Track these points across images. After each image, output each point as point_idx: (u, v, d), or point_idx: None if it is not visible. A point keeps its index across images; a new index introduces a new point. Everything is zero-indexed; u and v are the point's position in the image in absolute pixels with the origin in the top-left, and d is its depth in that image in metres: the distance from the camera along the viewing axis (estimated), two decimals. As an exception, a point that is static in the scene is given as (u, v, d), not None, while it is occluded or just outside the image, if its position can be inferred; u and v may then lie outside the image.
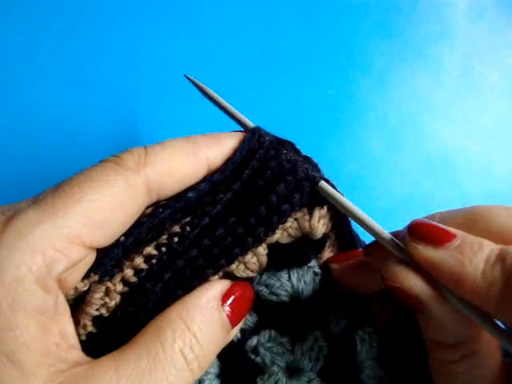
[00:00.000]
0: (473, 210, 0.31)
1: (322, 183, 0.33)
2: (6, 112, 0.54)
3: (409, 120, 0.57)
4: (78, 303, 0.31)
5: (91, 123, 0.55)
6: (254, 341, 0.36)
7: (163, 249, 0.32)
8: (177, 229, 0.33)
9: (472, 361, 0.30)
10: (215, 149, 0.34)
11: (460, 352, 0.30)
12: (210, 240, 0.32)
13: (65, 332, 0.28)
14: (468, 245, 0.27)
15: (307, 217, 0.34)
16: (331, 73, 0.58)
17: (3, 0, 0.57)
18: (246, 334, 0.36)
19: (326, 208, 0.34)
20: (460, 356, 0.30)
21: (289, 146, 0.36)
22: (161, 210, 0.32)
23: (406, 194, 0.55)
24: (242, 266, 0.34)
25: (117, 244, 0.31)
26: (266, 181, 0.33)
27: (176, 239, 0.32)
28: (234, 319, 0.32)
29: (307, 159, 0.36)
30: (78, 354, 0.28)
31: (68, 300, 0.30)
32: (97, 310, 0.31)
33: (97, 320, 0.31)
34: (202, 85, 0.40)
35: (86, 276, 0.31)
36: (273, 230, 0.33)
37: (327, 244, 0.37)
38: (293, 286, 0.36)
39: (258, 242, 0.33)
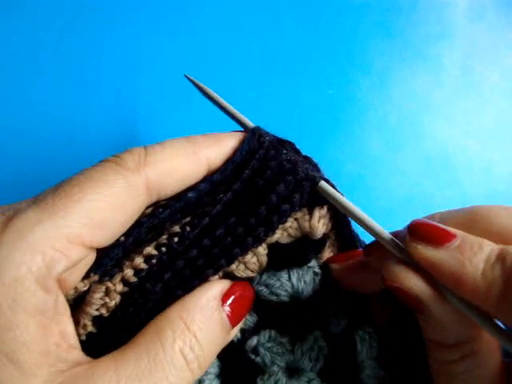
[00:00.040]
0: (473, 210, 0.31)
1: (322, 183, 0.33)
2: (5, 112, 0.54)
3: (409, 120, 0.57)
4: (78, 303, 0.31)
5: (91, 123, 0.55)
6: (253, 341, 0.36)
7: (163, 249, 0.32)
8: (177, 229, 0.33)
9: (472, 361, 0.30)
10: (215, 149, 0.34)
11: (460, 352, 0.30)
12: (210, 240, 0.32)
13: (65, 332, 0.28)
14: (468, 245, 0.27)
15: (307, 217, 0.34)
16: (331, 73, 0.58)
17: (3, 0, 0.57)
18: (245, 333, 0.37)
19: (326, 208, 0.34)
20: (460, 356, 0.30)
21: (289, 145, 0.36)
22: (161, 209, 0.32)
23: (406, 194, 0.55)
24: (242, 266, 0.34)
25: (117, 244, 0.31)
26: (266, 181, 0.33)
27: (176, 239, 0.32)
28: (233, 319, 0.32)
29: (307, 159, 0.36)
30: (77, 353, 0.28)
31: (68, 300, 0.30)
32: (97, 309, 0.31)
33: (97, 320, 0.31)
34: (201, 85, 0.40)
35: (86, 276, 0.31)
36: (273, 230, 0.33)
37: (327, 244, 0.37)
38: (293, 286, 0.36)
39: (258, 241, 0.33)
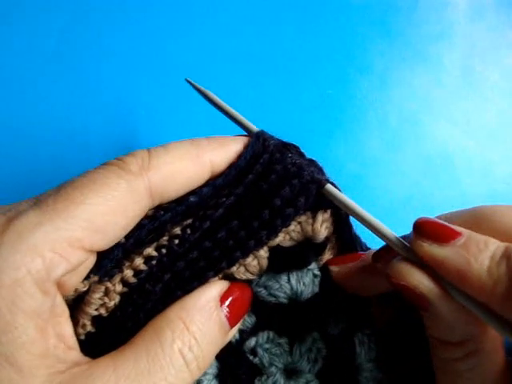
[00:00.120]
0: (478, 209, 0.31)
1: (328, 186, 0.33)
2: (5, 112, 0.54)
3: (409, 120, 0.57)
4: (77, 302, 0.31)
5: (91, 123, 0.55)
6: (252, 342, 0.37)
7: (163, 250, 0.32)
8: (178, 231, 0.33)
9: (476, 359, 0.30)
10: (219, 152, 0.34)
11: (464, 350, 0.30)
12: (211, 242, 0.32)
13: (63, 333, 0.28)
14: (473, 242, 0.28)
15: (310, 220, 0.34)
16: (331, 73, 0.58)
17: (3, 0, 0.57)
18: (244, 334, 0.37)
19: (329, 212, 0.34)
20: (464, 354, 0.30)
21: (293, 149, 0.35)
22: (162, 212, 0.32)
23: (406, 194, 0.55)
24: (242, 269, 0.34)
25: (117, 245, 0.31)
26: (270, 184, 0.33)
27: (176, 241, 0.32)
28: (232, 320, 0.32)
29: (312, 162, 0.35)
30: (76, 354, 0.29)
31: (67, 300, 0.30)
32: (96, 309, 0.31)
33: (96, 320, 0.31)
34: (203, 89, 0.40)
35: (86, 277, 0.31)
36: (276, 234, 0.33)
37: (328, 247, 0.37)
38: (292, 288, 0.36)
39: (259, 244, 0.33)
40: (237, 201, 0.33)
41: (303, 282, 0.36)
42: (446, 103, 0.58)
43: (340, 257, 0.37)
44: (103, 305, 0.31)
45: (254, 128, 0.37)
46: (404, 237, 0.32)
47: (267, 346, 0.37)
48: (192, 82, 0.40)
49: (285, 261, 0.35)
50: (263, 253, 0.34)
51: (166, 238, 0.33)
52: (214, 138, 0.35)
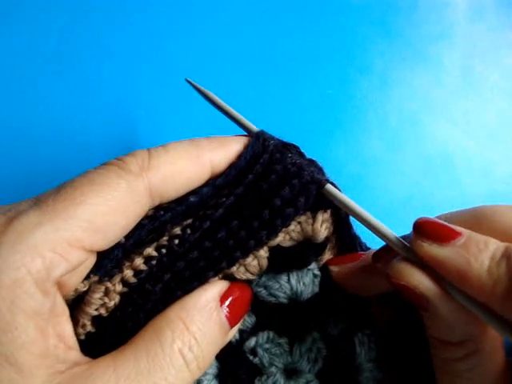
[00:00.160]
0: (478, 209, 0.31)
1: (328, 186, 0.33)
2: (6, 112, 0.54)
3: (409, 120, 0.57)
4: (77, 302, 0.31)
5: (91, 123, 0.55)
6: (252, 342, 0.37)
7: (163, 250, 0.32)
8: (178, 231, 0.33)
9: (476, 359, 0.30)
10: (219, 152, 0.34)
11: (464, 350, 0.30)
12: (211, 242, 0.32)
13: (63, 333, 0.28)
14: (473, 242, 0.28)
15: (310, 220, 0.34)
16: (331, 73, 0.58)
17: (3, 0, 0.57)
18: (244, 334, 0.37)
19: (329, 212, 0.34)
20: (464, 354, 0.30)
21: (293, 149, 0.35)
22: (162, 212, 0.32)
23: (406, 194, 0.55)
24: (242, 269, 0.34)
25: (117, 245, 0.31)
26: (270, 184, 0.33)
27: (176, 241, 0.32)
28: (232, 320, 0.32)
29: (312, 162, 0.35)
30: (76, 354, 0.29)
31: (67, 300, 0.30)
32: (96, 309, 0.31)
33: (96, 320, 0.31)
34: (203, 89, 0.39)
35: (86, 277, 0.31)
36: (275, 234, 0.33)
37: (328, 247, 0.37)
38: (292, 288, 0.36)
39: (259, 244, 0.33)
40: (237, 201, 0.33)
41: (303, 282, 0.36)
42: (446, 103, 0.58)
43: (340, 257, 0.37)
44: (103, 305, 0.31)
45: (254, 128, 0.37)
46: (404, 237, 0.32)
47: (267, 345, 0.37)
48: (192, 82, 0.40)
49: (285, 261, 0.35)
50: (263, 253, 0.34)
51: (166, 238, 0.33)
52: (214, 138, 0.35)
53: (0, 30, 0.56)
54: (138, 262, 0.32)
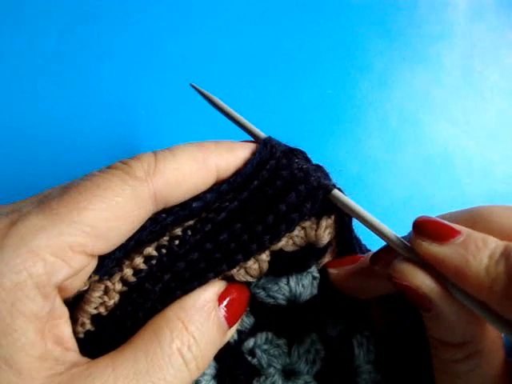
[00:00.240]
0: (475, 210, 0.31)
1: (335, 192, 0.33)
2: (6, 112, 0.54)
3: (409, 120, 0.57)
4: (77, 301, 0.31)
5: (92, 124, 0.55)
6: (250, 342, 0.37)
7: (163, 250, 0.32)
8: (178, 232, 0.32)
9: (476, 360, 0.30)
10: (226, 158, 0.33)
11: (465, 351, 0.30)
12: (213, 244, 0.32)
13: (62, 335, 0.28)
14: (472, 240, 0.28)
15: (314, 226, 0.34)
16: (331, 73, 0.58)
17: (3, 0, 0.57)
18: (242, 335, 0.37)
19: (332, 217, 0.34)
20: (465, 355, 0.30)
21: (300, 154, 0.35)
22: (164, 215, 0.32)
23: (406, 194, 0.55)
24: (242, 271, 0.34)
25: (118, 246, 0.31)
26: (275, 190, 0.33)
27: (177, 242, 0.32)
28: (230, 320, 0.32)
29: (319, 168, 0.35)
30: (74, 355, 0.29)
31: (68, 298, 0.30)
32: (95, 308, 0.31)
33: (95, 319, 0.31)
34: (209, 94, 0.39)
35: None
36: (279, 238, 0.33)
37: (328, 250, 0.37)
38: (291, 289, 0.36)
39: (262, 249, 0.33)
40: (241, 205, 0.33)
41: (302, 284, 0.36)
42: (446, 103, 0.58)
43: (339, 259, 0.37)
44: (103, 303, 0.31)
45: (262, 134, 0.36)
46: (403, 237, 0.32)
47: (266, 346, 0.37)
48: (197, 86, 0.39)
49: (285, 264, 0.35)
50: (264, 257, 0.34)
51: (166, 238, 0.33)
52: (222, 143, 0.34)
53: (0, 30, 0.56)
54: (138, 261, 0.32)
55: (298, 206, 0.32)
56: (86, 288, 0.31)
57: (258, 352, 0.36)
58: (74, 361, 0.28)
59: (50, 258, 0.27)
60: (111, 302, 0.31)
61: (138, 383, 0.27)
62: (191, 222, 0.33)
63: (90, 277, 0.31)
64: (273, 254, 0.34)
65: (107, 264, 0.31)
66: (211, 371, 0.35)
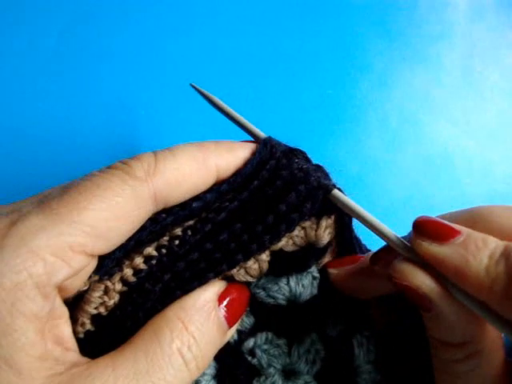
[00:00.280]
0: (474, 210, 0.31)
1: (335, 192, 0.33)
2: (6, 112, 0.54)
3: (409, 120, 0.57)
4: (77, 301, 0.31)
5: (92, 124, 0.55)
6: (250, 342, 0.37)
7: (163, 250, 0.32)
8: (178, 232, 0.32)
9: (476, 360, 0.30)
10: (226, 158, 0.33)
11: (465, 351, 0.30)
12: (213, 244, 0.32)
13: (62, 335, 0.28)
14: (472, 240, 0.28)
15: (314, 226, 0.34)
16: (331, 73, 0.58)
17: (3, 0, 0.57)
18: (242, 335, 0.37)
19: (333, 217, 0.34)
20: (465, 355, 0.30)
21: (300, 154, 0.35)
22: (164, 215, 0.32)
23: (406, 194, 0.55)
24: (242, 271, 0.34)
25: (118, 246, 0.31)
26: (275, 190, 0.33)
27: (177, 242, 0.32)
28: (230, 320, 0.32)
29: (319, 168, 0.35)
30: (74, 355, 0.29)
31: (68, 298, 0.30)
32: (95, 308, 0.31)
33: (95, 319, 0.31)
34: (209, 94, 0.39)
35: (87, 277, 0.31)
36: (279, 238, 0.33)
37: (328, 250, 0.37)
38: (290, 289, 0.36)
39: (262, 249, 0.33)
40: (240, 205, 0.33)
41: (302, 284, 0.36)
42: (446, 103, 0.58)
43: (339, 259, 0.37)
44: (103, 303, 0.31)
45: (262, 134, 0.36)
46: (403, 237, 0.32)
47: (266, 346, 0.36)
48: (197, 86, 0.39)
49: (285, 265, 0.35)
50: (265, 257, 0.34)
51: (166, 238, 0.33)
52: (222, 143, 0.34)
53: (0, 30, 0.56)
54: (138, 261, 0.32)
55: (298, 206, 0.32)
56: (86, 288, 0.31)
57: (258, 352, 0.36)
58: (74, 361, 0.28)
59: (50, 257, 0.27)
60: (111, 302, 0.31)
61: (137, 383, 0.27)
62: (191, 222, 0.33)
63: (90, 277, 0.31)
64: (273, 253, 0.34)
65: (107, 264, 0.31)
66: (211, 371, 0.35)
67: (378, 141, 0.56)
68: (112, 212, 0.29)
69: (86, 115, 0.55)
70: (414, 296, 0.29)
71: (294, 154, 0.35)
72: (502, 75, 0.59)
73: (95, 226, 0.28)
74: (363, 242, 0.39)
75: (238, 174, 0.33)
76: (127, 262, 0.32)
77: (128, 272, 0.31)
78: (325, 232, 0.34)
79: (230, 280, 0.34)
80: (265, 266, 0.34)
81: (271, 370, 0.36)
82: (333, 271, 0.36)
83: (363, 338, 0.36)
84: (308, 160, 0.35)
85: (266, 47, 0.58)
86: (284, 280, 0.36)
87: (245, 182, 0.33)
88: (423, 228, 0.30)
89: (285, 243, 0.34)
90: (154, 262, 0.32)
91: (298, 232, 0.34)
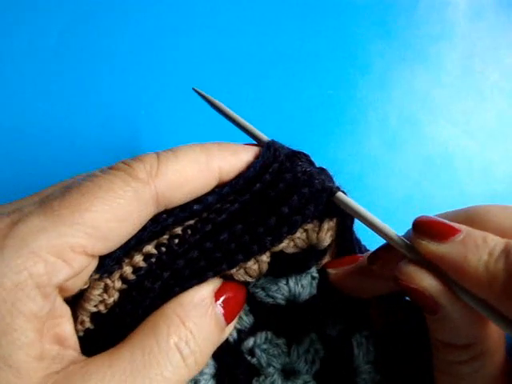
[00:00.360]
0: (471, 209, 0.31)
1: (339, 194, 0.33)
2: (6, 112, 0.54)
3: (409, 120, 0.57)
4: (77, 299, 0.31)
5: (92, 124, 0.55)
6: (250, 342, 0.37)
7: (163, 248, 0.32)
8: (178, 231, 0.32)
9: (480, 362, 0.30)
10: (229, 161, 0.33)
11: (469, 353, 0.30)
12: (213, 244, 0.32)
13: (62, 334, 0.29)
14: (472, 238, 0.28)
15: (316, 228, 0.34)
16: (331, 73, 0.58)
17: (3, 0, 0.57)
18: (242, 334, 0.37)
19: (334, 220, 0.34)
20: (469, 357, 0.30)
21: (304, 157, 0.35)
22: (165, 216, 0.32)
23: (406, 194, 0.55)
24: (242, 271, 0.34)
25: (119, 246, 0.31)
26: (278, 192, 0.33)
27: (176, 241, 0.32)
28: (227, 317, 0.32)
29: (323, 171, 0.35)
30: (73, 354, 0.29)
31: (68, 296, 0.30)
32: (95, 306, 0.31)
33: (95, 316, 0.31)
34: (211, 98, 0.39)
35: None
36: (280, 240, 0.33)
37: (328, 251, 0.37)
38: (290, 289, 0.36)
39: (263, 250, 0.33)
40: (242, 207, 0.33)
41: (301, 284, 0.36)
42: (446, 103, 0.58)
43: (338, 259, 0.37)
44: (102, 301, 0.31)
45: (265, 138, 0.36)
46: (403, 237, 0.32)
47: (265, 346, 0.36)
48: (199, 91, 0.39)
49: (285, 266, 0.35)
50: (265, 258, 0.34)
51: (166, 236, 0.33)
52: (225, 146, 0.34)
53: (0, 30, 0.56)
54: (138, 259, 0.32)
55: (301, 209, 0.32)
56: (86, 286, 0.31)
57: (258, 351, 0.36)
58: (73, 359, 0.28)
59: (50, 258, 0.27)
60: (111, 300, 0.31)
61: (135, 379, 0.27)
62: (191, 222, 0.33)
63: (91, 275, 0.31)
64: (273, 255, 0.34)
65: (108, 263, 0.31)
66: (210, 370, 0.35)
67: (378, 141, 0.56)
68: (114, 214, 0.28)
69: (86, 115, 0.55)
70: (421, 298, 0.29)
71: (297, 157, 0.35)
72: (502, 75, 0.59)
73: (97, 227, 0.28)
74: (363, 242, 0.39)
75: (241, 176, 0.33)
76: (127, 260, 0.32)
77: (127, 270, 0.31)
78: (327, 234, 0.34)
79: (229, 279, 0.34)
80: (265, 266, 0.34)
81: (271, 369, 0.36)
82: (332, 271, 0.36)
83: (362, 338, 0.36)
84: (311, 163, 0.35)
85: (266, 47, 0.58)
86: (283, 280, 0.36)
87: (247, 185, 0.33)
88: (423, 227, 0.30)
89: (286, 245, 0.34)
90: (153, 260, 0.32)
91: (299, 234, 0.34)
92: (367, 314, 0.37)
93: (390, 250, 0.32)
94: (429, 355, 0.33)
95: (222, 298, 0.32)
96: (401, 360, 0.36)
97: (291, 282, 0.36)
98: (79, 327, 0.31)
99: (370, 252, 0.35)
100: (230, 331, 0.35)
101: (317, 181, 0.33)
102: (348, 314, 0.37)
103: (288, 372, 0.37)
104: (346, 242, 0.37)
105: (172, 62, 0.57)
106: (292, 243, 0.34)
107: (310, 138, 0.56)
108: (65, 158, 0.53)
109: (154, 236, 0.33)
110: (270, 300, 0.36)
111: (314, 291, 0.36)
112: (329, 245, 0.36)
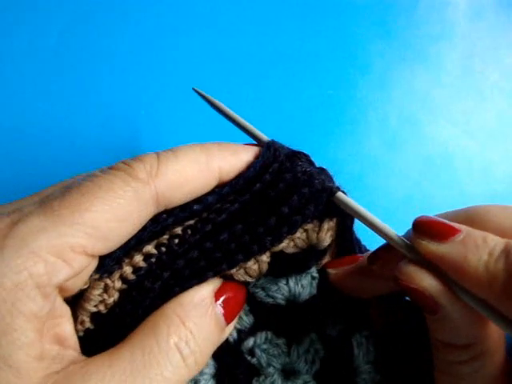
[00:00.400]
0: (471, 209, 0.31)
1: (339, 194, 0.33)
2: (6, 112, 0.54)
3: (409, 120, 0.57)
4: (77, 299, 0.31)
5: (92, 124, 0.55)
6: (250, 342, 0.37)
7: (163, 248, 0.32)
8: (178, 231, 0.33)
9: (481, 362, 0.30)
10: (229, 161, 0.33)
11: (470, 353, 0.30)
12: (213, 244, 0.32)
13: (62, 334, 0.29)
14: (472, 238, 0.28)
15: (316, 228, 0.34)
16: (331, 73, 0.58)
17: (3, 0, 0.57)
18: (242, 334, 0.37)
19: (335, 220, 0.34)
20: (470, 357, 0.30)
21: (304, 157, 0.35)
22: (164, 216, 0.32)
23: (406, 194, 0.55)
24: (242, 271, 0.34)
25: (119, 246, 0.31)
26: (278, 192, 0.33)
27: (176, 241, 0.32)
28: (227, 317, 0.32)
29: (323, 171, 0.35)
30: (73, 354, 0.29)
31: (68, 296, 0.30)
32: (95, 306, 0.31)
33: (95, 317, 0.31)
34: (211, 98, 0.39)
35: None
36: (280, 240, 0.33)
37: (328, 251, 0.37)
38: (290, 289, 0.36)
39: (263, 250, 0.33)
40: (242, 207, 0.33)
41: (301, 284, 0.36)
42: (446, 103, 0.58)
43: (338, 259, 0.37)
44: (102, 301, 0.31)
45: (265, 138, 0.36)
46: (403, 237, 0.32)
47: (265, 346, 0.36)
48: (199, 91, 0.39)
49: (285, 266, 0.35)
50: (265, 258, 0.34)
51: (166, 236, 0.33)
52: (225, 145, 0.34)
53: (0, 30, 0.56)
54: (138, 259, 0.32)
55: (301, 209, 0.32)
56: (86, 286, 0.31)
57: (258, 351, 0.36)
58: (73, 359, 0.28)
59: (50, 258, 0.27)
60: (111, 300, 0.31)
61: (135, 379, 0.27)
62: (191, 222, 0.33)
63: (91, 275, 0.31)
64: (273, 255, 0.34)
65: (108, 263, 0.31)
66: (210, 370, 0.35)
67: (378, 141, 0.56)
68: (114, 214, 0.28)
69: (86, 115, 0.55)
70: (421, 298, 0.29)
71: (297, 157, 0.35)
72: (502, 75, 0.59)
73: (97, 227, 0.28)
74: (363, 242, 0.39)
75: (241, 176, 0.33)
76: (127, 260, 0.32)
77: (127, 270, 0.31)
78: (327, 234, 0.34)
79: (229, 279, 0.34)
80: (264, 266, 0.34)
81: (270, 369, 0.36)
82: (332, 271, 0.36)
83: (362, 338, 0.36)
84: (311, 163, 0.35)
85: (266, 48, 0.58)
86: (283, 280, 0.36)
87: (247, 185, 0.33)
88: (423, 227, 0.30)
89: (286, 245, 0.34)
90: (153, 260, 0.32)
91: (299, 234, 0.34)
92: (367, 314, 0.37)
93: (390, 250, 0.32)
94: (429, 355, 0.33)
95: (222, 298, 0.32)
96: (401, 360, 0.36)
97: (291, 282, 0.36)
98: (79, 327, 0.31)
99: (369, 252, 0.35)
100: (230, 331, 0.35)
101: (317, 181, 0.33)
102: (348, 314, 0.37)
103: (288, 372, 0.37)
104: (346, 241, 0.37)
105: (172, 62, 0.57)
106: (292, 243, 0.34)
107: (310, 138, 0.56)
108: (65, 158, 0.53)
109: (154, 236, 0.33)
110: (270, 300, 0.36)
111: (314, 291, 0.36)
112: (329, 245, 0.36)
